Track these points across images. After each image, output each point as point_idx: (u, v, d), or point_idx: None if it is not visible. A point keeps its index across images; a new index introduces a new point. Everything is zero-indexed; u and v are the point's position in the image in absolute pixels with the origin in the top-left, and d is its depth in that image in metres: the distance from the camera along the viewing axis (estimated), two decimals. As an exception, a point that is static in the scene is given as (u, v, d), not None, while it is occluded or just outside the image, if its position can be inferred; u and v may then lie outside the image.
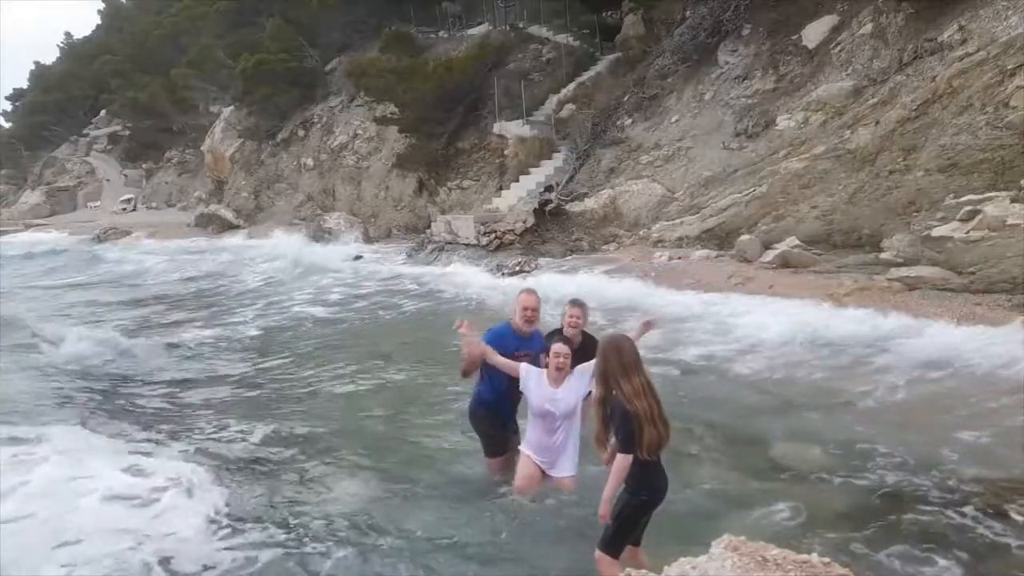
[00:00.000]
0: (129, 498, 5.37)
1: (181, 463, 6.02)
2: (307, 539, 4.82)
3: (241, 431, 6.93)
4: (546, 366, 4.92)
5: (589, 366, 4.91)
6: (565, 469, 4.95)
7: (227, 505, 5.30)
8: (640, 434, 3.67)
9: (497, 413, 5.39)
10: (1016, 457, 5.44)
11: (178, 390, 8.68)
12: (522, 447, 5.06)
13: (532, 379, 4.93)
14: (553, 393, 4.86)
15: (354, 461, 6.08)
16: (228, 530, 4.96)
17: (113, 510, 5.22)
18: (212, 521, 5.08)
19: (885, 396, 6.89)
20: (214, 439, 6.81)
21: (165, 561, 4.60)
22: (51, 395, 8.24)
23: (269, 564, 4.60)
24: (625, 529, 3.82)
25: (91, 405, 7.94)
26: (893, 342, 8.05)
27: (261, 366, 9.57)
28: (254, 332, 11.72)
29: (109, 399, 8.23)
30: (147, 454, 6.31)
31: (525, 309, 5.28)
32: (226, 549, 4.75)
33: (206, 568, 4.56)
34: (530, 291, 5.49)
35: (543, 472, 4.96)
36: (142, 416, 7.72)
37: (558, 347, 4.90)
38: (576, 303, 5.81)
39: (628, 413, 3.66)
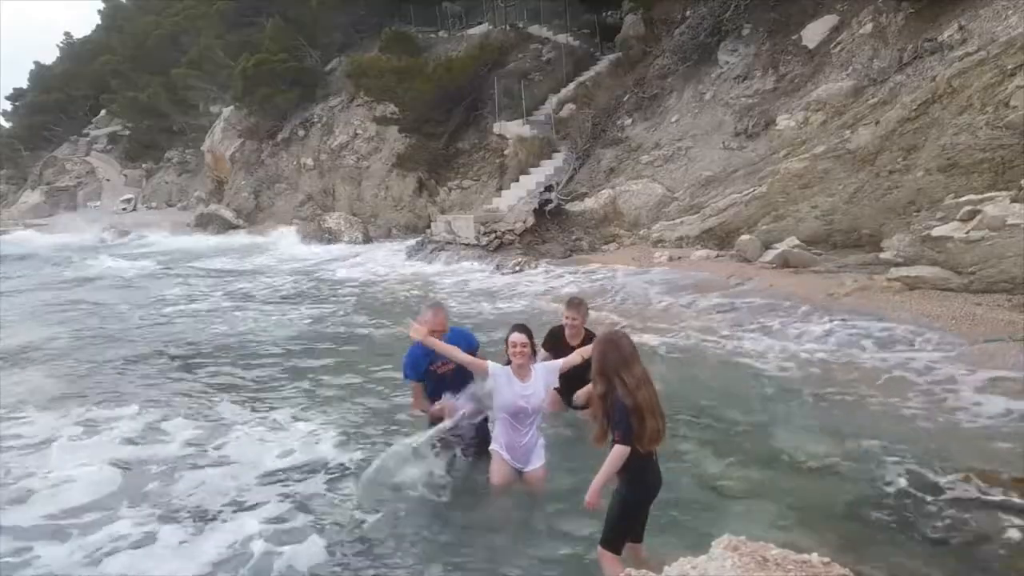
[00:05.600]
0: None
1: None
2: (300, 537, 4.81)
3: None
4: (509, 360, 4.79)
5: (556, 364, 4.90)
6: (535, 463, 4.95)
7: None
8: (642, 426, 3.67)
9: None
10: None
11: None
12: (493, 447, 4.98)
13: (501, 377, 4.75)
14: (523, 388, 4.74)
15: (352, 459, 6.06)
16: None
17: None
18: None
19: (890, 391, 6.88)
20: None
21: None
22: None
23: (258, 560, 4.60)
24: (623, 525, 3.83)
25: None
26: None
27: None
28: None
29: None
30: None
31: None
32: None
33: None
34: (427, 306, 5.33)
35: (516, 471, 4.95)
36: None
37: (515, 336, 4.72)
38: (572, 304, 5.80)
39: (627, 407, 3.66)
